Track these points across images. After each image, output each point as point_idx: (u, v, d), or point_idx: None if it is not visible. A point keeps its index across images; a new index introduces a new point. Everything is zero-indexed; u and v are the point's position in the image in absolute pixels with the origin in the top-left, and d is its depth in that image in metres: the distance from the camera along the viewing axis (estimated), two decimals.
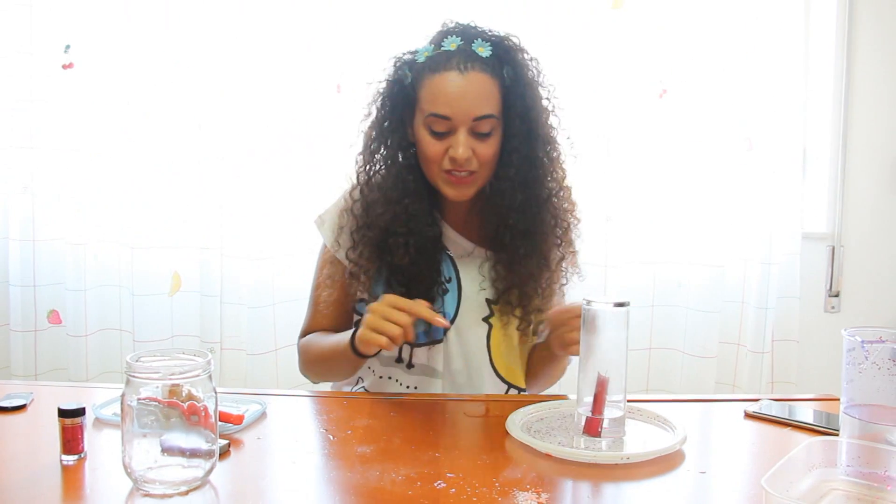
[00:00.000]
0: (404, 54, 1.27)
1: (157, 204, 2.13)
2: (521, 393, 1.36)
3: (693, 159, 2.19)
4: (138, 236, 2.13)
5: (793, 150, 2.21)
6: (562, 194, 1.31)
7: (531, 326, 1.33)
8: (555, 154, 1.29)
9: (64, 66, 2.11)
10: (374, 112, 1.28)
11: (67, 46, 2.11)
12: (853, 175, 2.33)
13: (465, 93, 1.19)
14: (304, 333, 1.39)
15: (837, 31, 2.29)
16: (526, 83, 1.24)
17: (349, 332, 1.22)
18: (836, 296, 2.36)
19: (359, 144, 1.31)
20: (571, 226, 1.33)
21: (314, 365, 1.35)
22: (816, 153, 2.33)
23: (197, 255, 2.15)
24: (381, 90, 1.28)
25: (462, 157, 1.19)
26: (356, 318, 1.38)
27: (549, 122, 1.28)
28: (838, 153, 2.32)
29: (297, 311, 1.40)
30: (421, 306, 1.12)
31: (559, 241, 1.31)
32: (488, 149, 1.23)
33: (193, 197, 2.13)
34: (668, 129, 2.18)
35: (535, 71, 1.26)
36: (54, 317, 2.21)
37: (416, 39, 1.29)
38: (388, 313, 1.11)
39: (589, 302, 1.02)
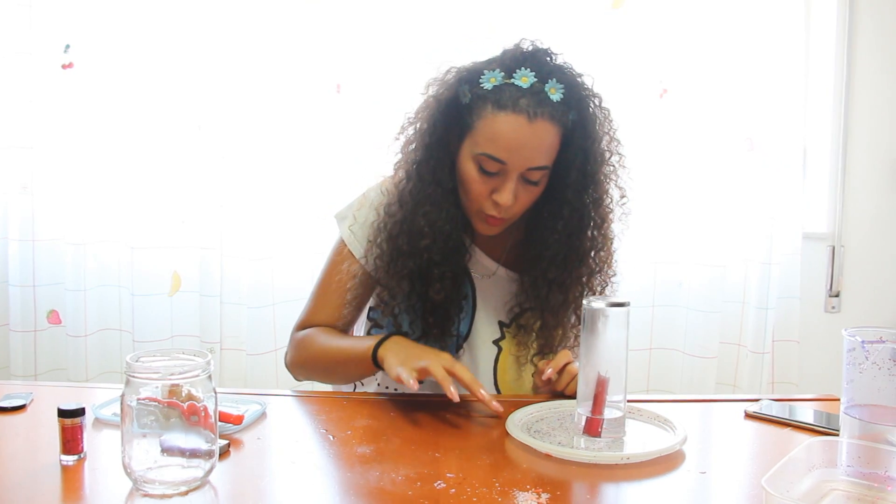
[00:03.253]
0: (465, 70, 1.17)
1: (157, 204, 2.13)
2: None
3: (693, 159, 2.19)
4: (138, 236, 2.13)
5: (793, 150, 2.21)
6: (604, 247, 1.25)
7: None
8: (604, 208, 1.23)
9: (64, 66, 2.11)
10: (422, 126, 1.20)
11: (67, 46, 2.11)
12: (853, 175, 2.33)
13: (527, 143, 1.12)
14: (302, 326, 1.32)
15: (837, 31, 2.29)
16: (588, 135, 1.17)
17: (370, 341, 1.17)
18: (837, 296, 2.36)
19: (395, 147, 1.23)
20: (609, 282, 1.27)
21: (314, 361, 1.28)
22: (817, 153, 2.33)
23: (197, 255, 2.15)
24: (433, 104, 1.18)
25: (507, 203, 1.15)
26: (369, 325, 1.35)
27: (605, 174, 1.21)
28: (838, 153, 2.32)
29: (297, 312, 1.39)
30: (477, 386, 1.07)
31: (589, 294, 1.26)
32: (530, 196, 1.19)
33: (193, 197, 2.13)
34: (669, 129, 2.18)
35: (601, 119, 1.19)
36: (54, 317, 2.21)
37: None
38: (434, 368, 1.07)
39: (589, 302, 1.01)
